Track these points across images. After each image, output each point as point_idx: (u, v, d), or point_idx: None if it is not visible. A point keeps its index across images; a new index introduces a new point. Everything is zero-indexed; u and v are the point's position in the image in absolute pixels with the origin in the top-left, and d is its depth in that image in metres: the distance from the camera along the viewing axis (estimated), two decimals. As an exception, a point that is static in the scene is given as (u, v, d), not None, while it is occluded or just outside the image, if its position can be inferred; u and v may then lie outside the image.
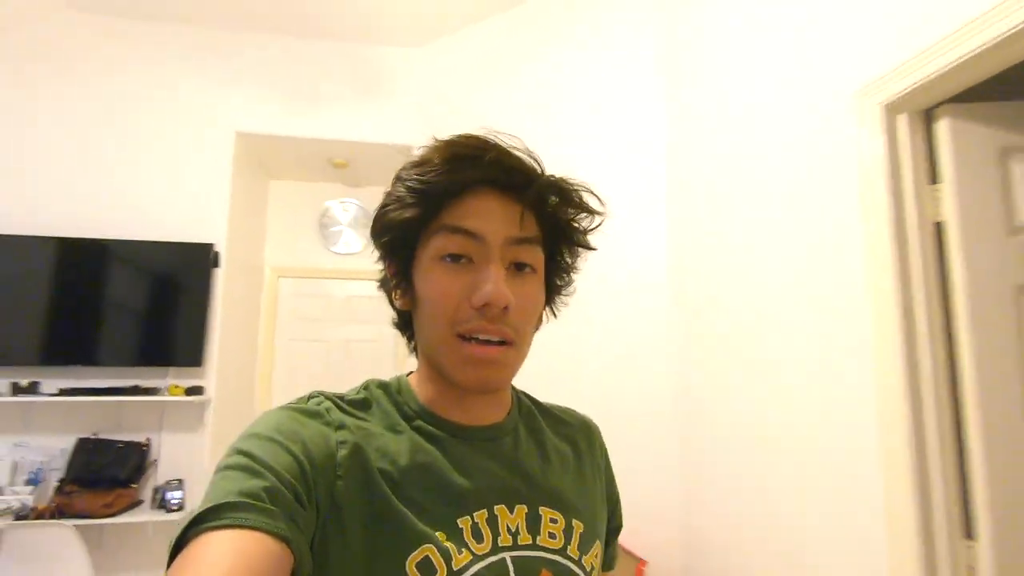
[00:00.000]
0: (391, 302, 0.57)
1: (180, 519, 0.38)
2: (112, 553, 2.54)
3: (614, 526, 0.66)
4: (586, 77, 2.58)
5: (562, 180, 0.54)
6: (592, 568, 0.55)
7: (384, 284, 0.57)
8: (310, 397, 0.52)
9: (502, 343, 0.50)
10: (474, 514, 0.49)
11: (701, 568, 1.98)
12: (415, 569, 0.44)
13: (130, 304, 2.75)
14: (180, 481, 2.61)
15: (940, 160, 1.24)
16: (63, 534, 2.21)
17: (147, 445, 2.66)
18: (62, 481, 2.51)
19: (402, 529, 0.46)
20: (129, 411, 2.68)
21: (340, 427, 0.49)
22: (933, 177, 1.26)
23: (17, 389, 2.53)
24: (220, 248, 2.85)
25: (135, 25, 2.94)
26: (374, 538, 0.45)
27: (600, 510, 0.61)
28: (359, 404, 0.53)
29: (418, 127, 3.01)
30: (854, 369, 1.33)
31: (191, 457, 2.69)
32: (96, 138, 2.82)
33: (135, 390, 2.61)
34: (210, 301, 2.80)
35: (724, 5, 2.01)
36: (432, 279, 0.50)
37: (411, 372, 0.58)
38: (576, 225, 0.55)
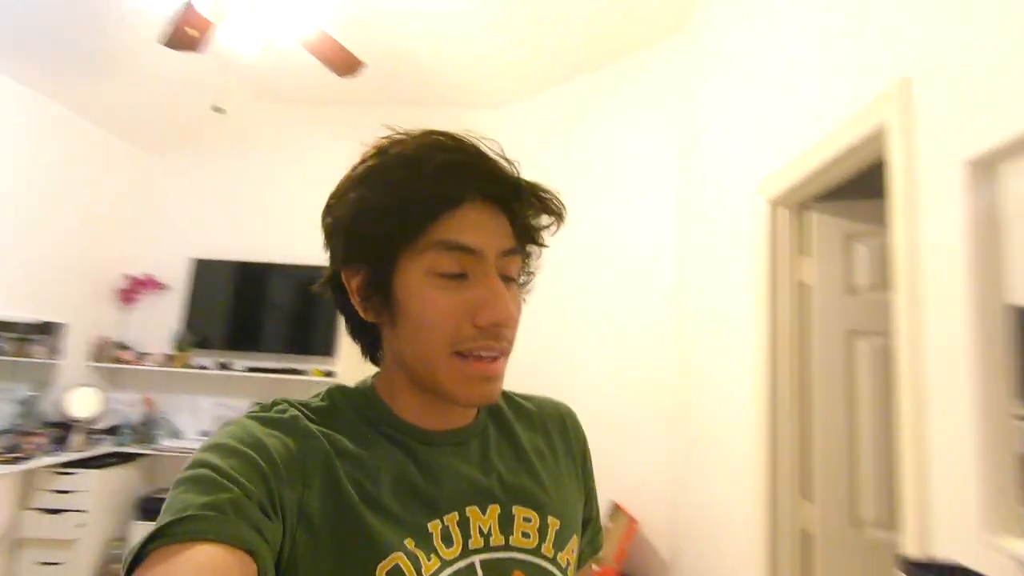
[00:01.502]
0: (344, 308, 0.54)
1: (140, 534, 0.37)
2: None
3: (586, 517, 0.62)
4: (619, 143, 3.23)
5: (538, 187, 0.51)
6: (568, 564, 0.54)
7: (338, 288, 0.54)
8: (274, 405, 0.50)
9: (499, 357, 0.49)
10: (444, 517, 0.49)
11: (680, 530, 2.58)
12: None
13: (288, 310, 3.87)
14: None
15: (810, 240, 1.79)
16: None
17: (297, 410, 3.73)
18: (244, 430, 3.64)
19: (371, 537, 0.45)
20: (287, 386, 3.79)
21: (306, 436, 0.47)
22: (801, 250, 1.80)
23: (219, 366, 3.72)
24: (349, 270, 3.87)
25: (301, 108, 4.08)
26: (343, 547, 0.44)
27: (576, 503, 0.59)
28: (324, 412, 0.51)
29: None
30: (747, 384, 1.90)
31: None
32: (275, 193, 3.99)
33: (291, 371, 3.70)
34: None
35: (710, 116, 2.58)
36: (426, 297, 0.48)
37: (374, 377, 0.56)
38: (543, 229, 0.53)
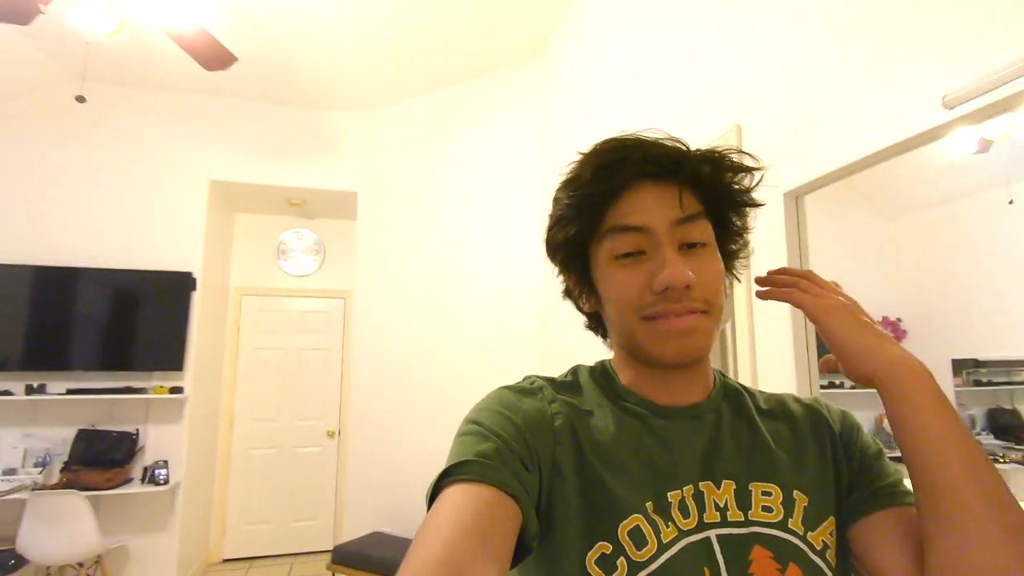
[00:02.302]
0: (579, 308, 0.61)
1: (434, 476, 0.45)
2: (110, 516, 3.19)
3: (887, 483, 0.54)
4: (484, 153, 3.44)
5: (709, 151, 0.54)
6: (826, 547, 0.50)
7: (568, 294, 0.62)
8: (525, 378, 0.57)
9: (691, 313, 0.51)
10: (682, 488, 0.50)
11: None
12: (627, 536, 0.46)
13: (126, 320, 3.40)
14: (165, 461, 3.28)
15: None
16: (74, 500, 2.85)
17: (136, 434, 3.31)
18: (67, 462, 3.13)
19: (613, 497, 0.48)
20: (120, 407, 3.33)
21: (552, 402, 0.53)
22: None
23: (29, 390, 3.15)
24: (197, 274, 3.53)
25: (126, 91, 3.59)
26: (589, 504, 0.48)
27: (828, 485, 0.54)
28: (568, 385, 0.57)
29: (360, 176, 3.80)
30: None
31: (173, 443, 3.37)
32: (99, 188, 3.46)
33: (127, 390, 3.27)
34: (189, 318, 3.48)
35: (569, 116, 2.90)
36: (611, 278, 0.53)
37: (608, 360, 0.61)
38: (737, 187, 0.55)
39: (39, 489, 2.97)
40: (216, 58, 2.13)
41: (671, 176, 0.52)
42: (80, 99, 2.07)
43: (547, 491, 0.48)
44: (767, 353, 1.40)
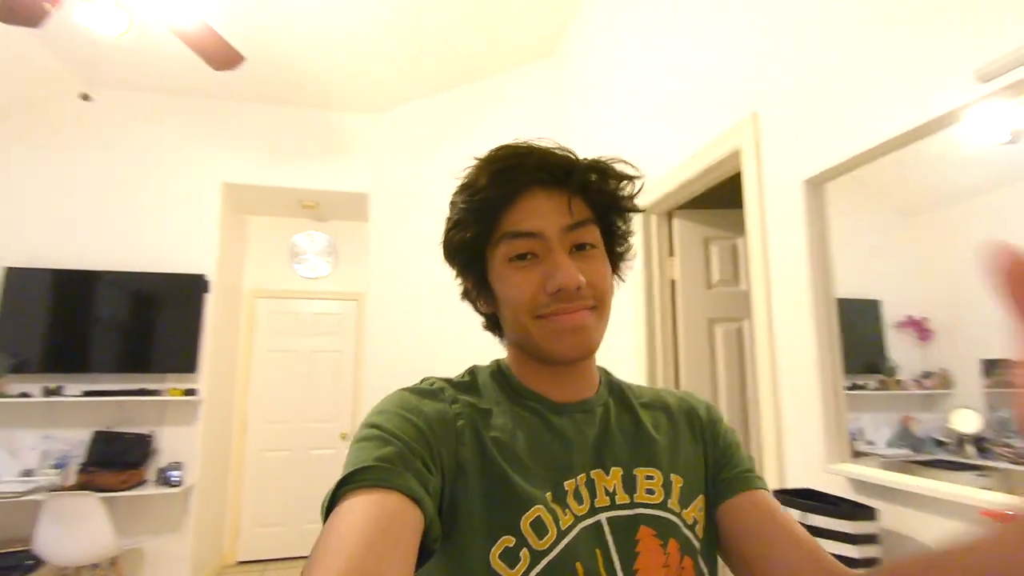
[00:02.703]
0: (476, 309, 0.64)
1: (331, 485, 0.44)
2: (125, 518, 3.20)
3: (741, 469, 0.60)
4: (499, 142, 3.41)
5: (595, 160, 0.58)
6: (695, 522, 0.56)
7: (466, 295, 0.64)
8: (424, 380, 0.58)
9: (582, 309, 0.54)
10: (577, 478, 0.53)
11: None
12: (529, 528, 0.48)
13: (141, 322, 3.43)
14: (179, 463, 3.29)
15: (674, 242, 2.09)
16: (90, 502, 2.87)
17: (151, 436, 3.33)
18: (83, 464, 3.16)
19: (515, 491, 0.50)
20: (136, 409, 3.35)
21: (453, 402, 0.54)
22: (671, 252, 2.10)
23: (47, 392, 3.18)
24: (210, 277, 3.55)
25: (139, 96, 3.63)
26: (491, 500, 0.49)
27: (697, 467, 0.60)
28: (467, 386, 0.59)
29: (372, 177, 3.79)
30: (627, 375, 2.16)
31: (187, 444, 3.38)
32: (112, 192, 3.50)
33: (142, 392, 3.29)
34: (202, 319, 3.49)
35: (581, 120, 2.86)
36: (507, 280, 0.55)
37: (503, 359, 0.63)
38: (620, 194, 0.59)
39: (56, 490, 3.00)
40: (224, 58, 2.13)
41: (561, 184, 0.55)
42: (85, 97, 2.08)
43: (450, 492, 0.49)
44: (789, 352, 1.34)
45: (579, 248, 0.55)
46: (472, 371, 0.62)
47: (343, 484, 0.43)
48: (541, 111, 3.37)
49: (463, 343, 3.46)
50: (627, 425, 0.60)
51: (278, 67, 3.39)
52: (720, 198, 2.12)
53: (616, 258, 0.62)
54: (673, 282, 2.08)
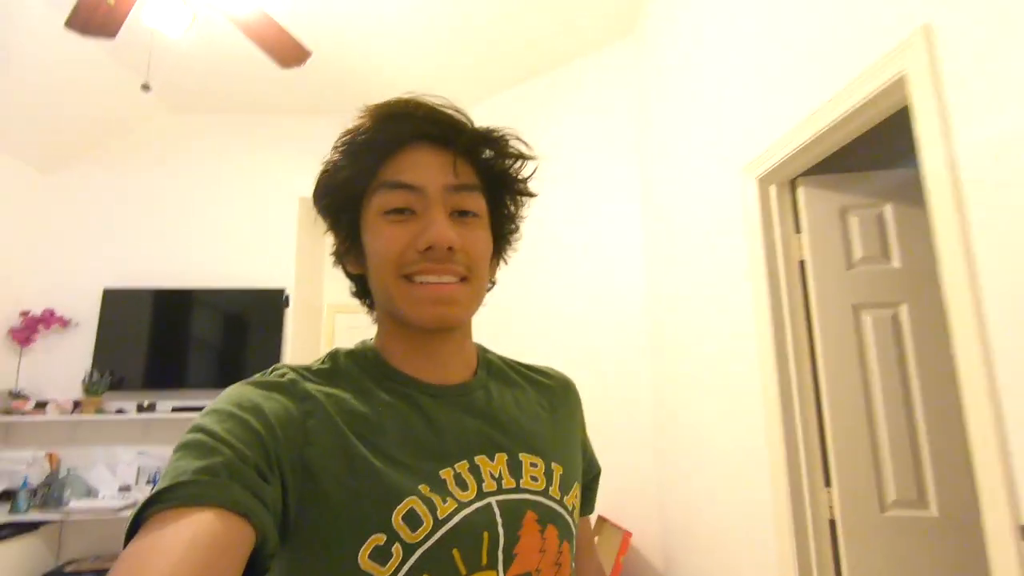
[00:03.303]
0: (346, 272, 0.60)
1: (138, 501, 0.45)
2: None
3: (594, 473, 0.68)
4: (580, 141, 3.16)
5: (490, 129, 0.56)
6: (573, 508, 0.57)
7: (336, 256, 0.60)
8: (273, 370, 0.52)
9: (452, 282, 0.51)
10: (455, 465, 0.50)
11: (673, 536, 2.44)
12: (401, 521, 0.45)
13: (219, 339, 3.46)
14: (263, 480, 3.24)
15: (801, 216, 1.74)
16: (179, 519, 2.86)
17: (236, 452, 3.32)
18: (174, 481, 3.18)
19: (384, 485, 0.46)
20: (222, 425, 3.35)
21: (305, 398, 0.49)
22: (797, 228, 1.75)
23: (140, 408, 3.25)
24: (290, 292, 3.53)
25: (218, 117, 3.73)
26: (358, 498, 0.45)
27: (576, 456, 0.62)
28: (326, 374, 0.53)
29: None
30: (748, 372, 1.81)
31: (270, 461, 3.33)
32: (191, 209, 3.59)
33: (227, 408, 3.29)
34: (283, 334, 3.47)
35: (667, 99, 2.55)
36: (378, 233, 0.52)
37: (373, 339, 0.59)
38: (513, 174, 0.57)
39: (149, 506, 3.02)
40: (290, 53, 2.05)
41: (448, 143, 0.53)
42: (146, 87, 2.05)
43: (297, 498, 0.44)
44: (1013, 348, 0.97)
45: (461, 214, 0.53)
46: (333, 355, 0.57)
47: (155, 502, 0.37)
48: (621, 93, 3.10)
49: (560, 352, 3.22)
50: (510, 410, 0.58)
51: (342, 77, 3.35)
52: (856, 159, 1.75)
53: (500, 239, 0.61)
54: (802, 263, 1.72)
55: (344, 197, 0.55)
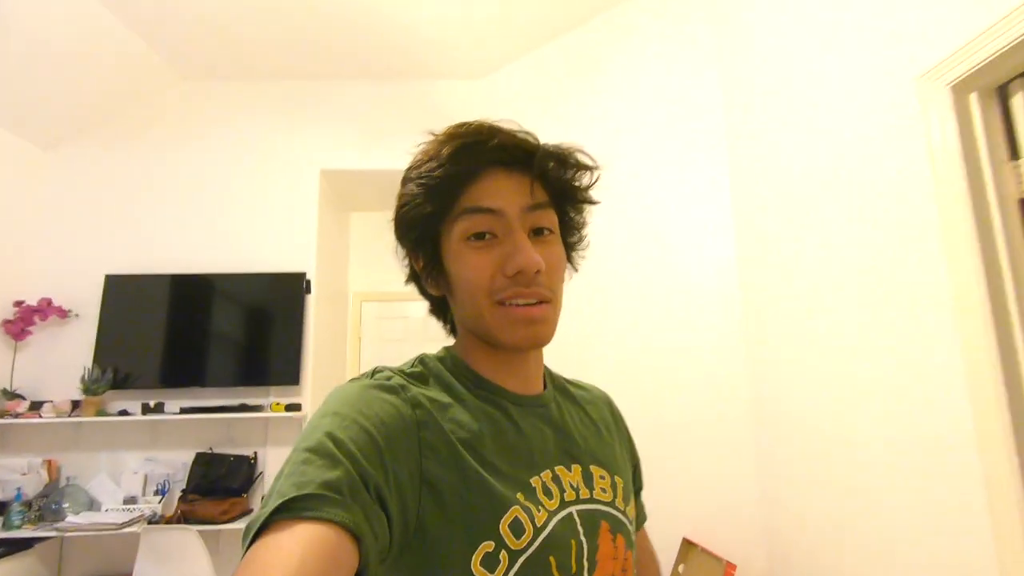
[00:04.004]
0: (423, 292, 0.62)
1: (265, 501, 0.39)
2: (227, 555, 2.79)
3: (638, 487, 0.71)
4: (643, 92, 2.65)
5: (557, 146, 0.57)
6: (632, 519, 0.60)
7: (413, 278, 0.61)
8: (375, 372, 0.54)
9: (540, 303, 0.53)
10: (541, 474, 0.53)
11: (786, 570, 1.93)
12: (507, 530, 0.47)
13: (235, 329, 3.06)
14: (284, 491, 2.83)
15: (1019, 135, 1.21)
16: (188, 537, 2.47)
17: (254, 458, 2.91)
18: (184, 491, 2.79)
19: (492, 495, 0.48)
20: (238, 427, 2.96)
21: (416, 405, 0.50)
22: (1014, 153, 1.23)
23: (146, 409, 2.87)
24: (311, 276, 3.11)
25: (231, 85, 3.33)
26: (471, 508, 0.47)
27: (627, 471, 0.65)
28: (419, 377, 0.55)
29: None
30: (939, 359, 1.29)
31: (292, 469, 2.91)
32: (202, 186, 3.20)
33: (242, 408, 2.89)
34: (304, 324, 3.05)
35: (775, 3, 2.03)
36: (464, 260, 0.54)
37: (451, 348, 0.61)
38: (577, 184, 0.59)
39: (156, 521, 2.64)
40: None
41: (522, 165, 0.55)
42: None
43: (418, 511, 0.46)
44: None
45: (537, 233, 0.55)
46: (423, 360, 0.58)
47: (282, 509, 0.38)
48: (685, 39, 2.58)
49: (629, 353, 2.72)
50: (577, 423, 0.62)
51: (368, 37, 2.91)
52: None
53: (570, 248, 0.62)
54: (1023, 201, 1.20)
55: (426, 228, 0.56)
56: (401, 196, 0.58)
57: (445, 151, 0.54)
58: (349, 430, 0.44)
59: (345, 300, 3.83)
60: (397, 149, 3.25)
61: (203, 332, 3.03)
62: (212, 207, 3.17)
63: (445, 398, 0.53)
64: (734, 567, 1.94)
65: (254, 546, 0.36)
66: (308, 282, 3.10)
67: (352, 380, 0.52)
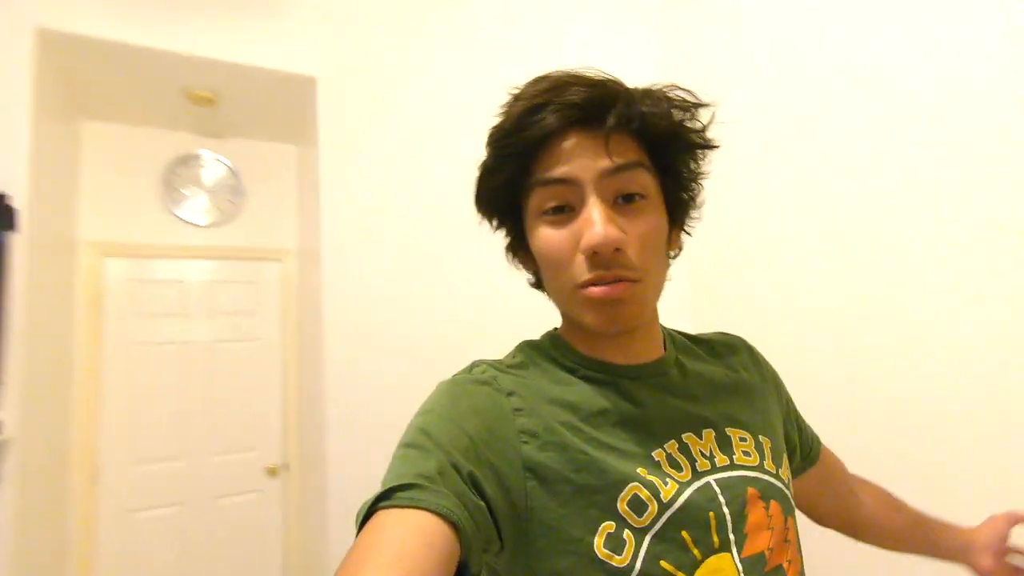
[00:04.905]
0: (523, 266, 0.59)
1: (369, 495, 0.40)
2: None
3: (796, 420, 0.68)
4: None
5: (647, 89, 0.50)
6: (788, 480, 0.55)
7: (511, 252, 0.59)
8: (474, 367, 0.53)
9: (619, 281, 0.48)
10: (664, 446, 0.50)
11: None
12: (627, 508, 0.45)
13: None
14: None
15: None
16: None
17: None
18: None
19: (604, 474, 0.46)
20: None
21: (511, 394, 0.50)
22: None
23: None
24: (20, 204, 1.84)
25: None
26: (581, 488, 0.46)
27: (777, 425, 0.60)
28: (521, 366, 0.54)
29: (322, 50, 2.30)
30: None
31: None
32: None
33: None
34: (2, 280, 1.78)
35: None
36: (541, 237, 0.51)
37: (556, 328, 0.59)
38: (676, 129, 0.51)
39: None
40: None
41: (598, 121, 0.49)
42: None
43: (524, 496, 0.45)
44: None
45: (626, 200, 0.49)
46: (522, 349, 0.57)
47: (382, 499, 0.40)
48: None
49: (484, 316, 2.24)
50: (706, 384, 0.57)
51: None
52: None
53: (680, 207, 0.55)
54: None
55: (503, 201, 0.54)
56: (478, 166, 0.55)
57: (511, 119, 0.50)
58: (440, 424, 0.45)
59: (73, 252, 2.48)
60: (178, 21, 2.13)
61: None
62: None
63: (545, 382, 0.52)
64: None
65: (359, 534, 0.38)
66: (11, 211, 1.83)
67: (451, 379, 0.52)
